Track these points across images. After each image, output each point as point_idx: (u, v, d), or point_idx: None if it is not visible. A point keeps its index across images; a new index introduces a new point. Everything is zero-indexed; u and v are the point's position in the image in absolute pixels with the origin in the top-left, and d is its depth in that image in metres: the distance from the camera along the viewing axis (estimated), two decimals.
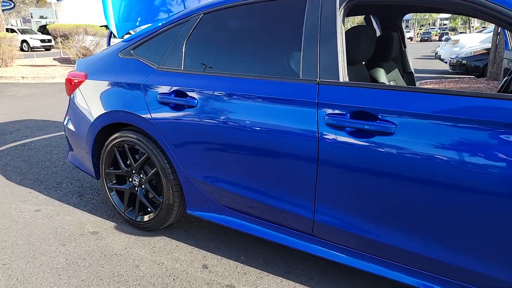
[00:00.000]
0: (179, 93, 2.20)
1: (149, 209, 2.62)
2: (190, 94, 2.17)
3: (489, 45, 9.75)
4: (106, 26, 13.60)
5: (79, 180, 3.52)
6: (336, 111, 1.71)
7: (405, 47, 3.36)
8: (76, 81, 2.77)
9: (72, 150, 2.97)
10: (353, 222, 1.77)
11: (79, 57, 13.48)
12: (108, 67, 2.61)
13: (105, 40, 13.94)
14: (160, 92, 2.27)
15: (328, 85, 1.76)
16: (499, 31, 8.52)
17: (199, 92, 2.14)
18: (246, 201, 2.10)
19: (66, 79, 2.87)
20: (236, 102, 2.00)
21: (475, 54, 10.04)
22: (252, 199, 2.06)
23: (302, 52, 1.86)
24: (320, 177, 1.79)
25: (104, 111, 2.52)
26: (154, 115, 2.29)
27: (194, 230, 2.66)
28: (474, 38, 12.20)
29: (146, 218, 2.59)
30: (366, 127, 1.63)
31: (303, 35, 1.87)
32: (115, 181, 2.74)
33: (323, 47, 1.80)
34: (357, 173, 1.68)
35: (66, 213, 2.89)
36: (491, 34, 10.16)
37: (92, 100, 2.64)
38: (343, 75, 1.76)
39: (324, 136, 1.73)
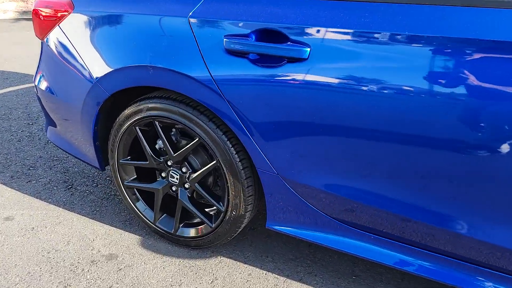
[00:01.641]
0: (271, 35, 1.23)
1: (196, 220, 1.71)
2: (294, 37, 1.20)
3: None
4: None
5: (60, 160, 2.48)
6: None
7: None
8: (51, 14, 1.67)
9: (55, 126, 1.93)
10: None
11: None
12: None
13: None
14: (229, 33, 1.29)
15: None
16: None
17: (315, 32, 1.18)
18: (405, 224, 1.25)
19: (33, 11, 1.75)
20: (407, 54, 1.08)
21: None
22: (427, 224, 1.21)
23: None
24: None
25: (115, 68, 1.50)
26: (217, 75, 1.32)
27: (264, 244, 1.80)
28: None
29: (193, 232, 1.69)
30: None
31: None
32: (135, 177, 1.77)
33: None
34: None
35: (55, 222, 1.91)
36: None
37: (88, 49, 1.59)
38: None
39: None
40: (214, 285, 1.55)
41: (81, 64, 1.61)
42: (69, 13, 1.62)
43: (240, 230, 1.59)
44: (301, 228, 1.46)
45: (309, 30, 1.19)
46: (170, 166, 1.62)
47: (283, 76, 1.23)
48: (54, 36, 1.69)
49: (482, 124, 1.03)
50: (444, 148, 1.09)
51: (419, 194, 1.18)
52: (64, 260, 1.67)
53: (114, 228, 1.87)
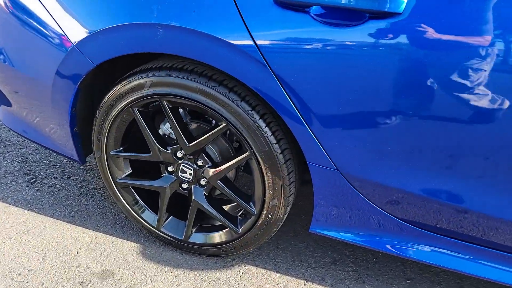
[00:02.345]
0: None
1: (214, 223, 1.37)
2: None
3: None
4: None
5: (15, 145, 1.99)
6: None
7: None
8: None
9: (9, 105, 1.46)
10: None
11: None
12: None
13: None
14: None
15: None
16: None
17: None
18: None
19: None
20: None
21: None
22: None
23: None
24: None
25: (105, 27, 1.07)
26: (262, 37, 0.95)
27: (294, 245, 1.50)
28: None
29: (211, 238, 1.34)
30: None
31: None
32: (130, 172, 1.37)
33: None
34: None
35: (21, 230, 1.49)
36: None
37: (61, 1, 1.14)
38: None
39: None
40: None
41: (50, 24, 1.15)
42: None
43: (270, 235, 1.27)
44: (359, 233, 1.17)
45: None
46: (180, 159, 1.25)
47: (363, 40, 0.88)
48: None
49: None
50: None
51: None
52: (42, 284, 1.28)
53: (102, 235, 1.48)
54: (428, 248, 1.10)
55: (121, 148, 1.31)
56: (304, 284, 1.33)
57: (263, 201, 1.19)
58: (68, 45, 1.14)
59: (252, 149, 1.11)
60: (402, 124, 0.93)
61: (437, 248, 1.09)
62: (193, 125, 1.29)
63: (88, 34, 1.09)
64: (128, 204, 1.39)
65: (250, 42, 0.95)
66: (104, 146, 1.29)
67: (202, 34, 0.98)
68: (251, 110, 1.07)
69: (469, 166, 0.95)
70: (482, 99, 0.85)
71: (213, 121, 1.32)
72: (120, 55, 1.10)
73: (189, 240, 1.36)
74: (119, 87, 1.18)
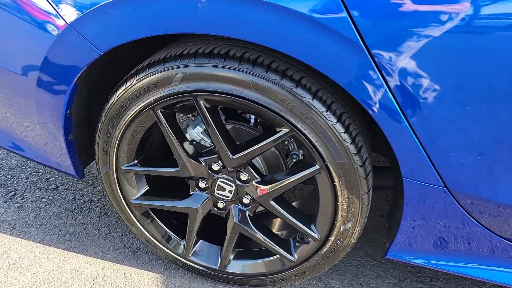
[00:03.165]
0: None
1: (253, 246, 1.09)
2: None
3: None
4: None
5: None
6: None
7: None
8: None
9: None
10: None
11: None
12: None
13: None
14: None
15: None
16: None
17: None
18: None
19: None
20: None
21: None
22: None
23: None
24: None
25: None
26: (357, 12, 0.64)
27: (347, 265, 1.24)
28: None
29: (254, 267, 1.07)
30: None
31: None
32: (147, 190, 1.06)
33: None
34: None
35: (5, 263, 1.17)
36: None
37: None
38: None
39: None
40: None
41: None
42: None
43: (332, 263, 1.01)
44: (455, 260, 0.92)
45: None
46: (217, 172, 0.95)
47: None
48: None
49: None
50: None
51: None
52: None
53: (109, 264, 1.18)
54: None
55: (136, 161, 0.99)
56: None
57: (332, 225, 0.92)
58: (61, 25, 0.81)
59: (324, 161, 0.83)
60: None
61: None
62: (228, 127, 0.99)
63: (92, 8, 0.76)
64: (146, 230, 1.08)
65: (344, 15, 0.66)
66: (114, 159, 0.97)
67: (269, 4, 0.67)
68: (326, 111, 0.79)
69: None
70: None
71: (251, 120, 1.03)
72: (139, 38, 0.78)
73: (226, 270, 1.08)
74: (134, 83, 0.86)
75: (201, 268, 1.11)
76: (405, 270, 1.21)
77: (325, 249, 0.96)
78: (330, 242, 0.94)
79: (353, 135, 0.82)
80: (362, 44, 0.67)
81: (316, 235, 0.95)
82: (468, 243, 0.88)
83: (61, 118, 0.94)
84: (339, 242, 0.94)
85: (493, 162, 0.74)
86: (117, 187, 1.03)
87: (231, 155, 0.89)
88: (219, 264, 1.08)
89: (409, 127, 0.73)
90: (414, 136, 0.74)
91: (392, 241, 0.94)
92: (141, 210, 1.07)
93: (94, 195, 1.43)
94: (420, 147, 0.75)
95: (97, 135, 0.97)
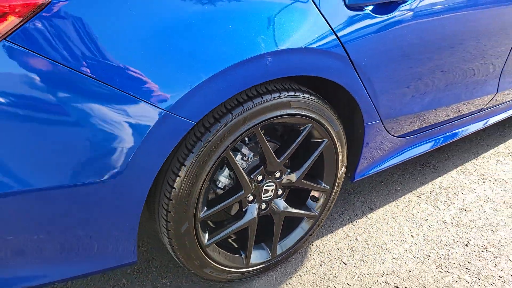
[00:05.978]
0: None
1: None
2: None
3: None
4: None
5: None
6: None
7: None
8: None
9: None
10: None
11: None
12: None
13: None
14: None
15: None
16: None
17: None
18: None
19: None
20: None
21: None
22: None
23: None
24: None
25: (208, 76, 0.94)
26: (346, 39, 1.16)
27: None
28: None
29: (298, 235, 1.42)
30: None
31: None
32: (212, 227, 1.22)
33: None
34: None
35: None
36: None
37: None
38: None
39: None
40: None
41: (122, 97, 0.87)
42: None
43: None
44: (381, 161, 1.59)
45: None
46: (261, 182, 1.25)
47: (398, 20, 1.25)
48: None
49: None
50: None
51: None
52: None
53: None
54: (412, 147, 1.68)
55: (205, 207, 1.15)
56: None
57: (335, 174, 1.40)
58: (156, 113, 0.91)
59: (330, 135, 1.30)
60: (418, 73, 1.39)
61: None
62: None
63: (187, 91, 0.92)
64: (219, 263, 1.24)
65: (337, 44, 1.13)
66: (194, 209, 1.10)
67: (304, 49, 1.07)
68: (330, 107, 1.26)
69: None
70: None
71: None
72: (224, 100, 1.00)
73: (277, 254, 1.39)
74: (210, 138, 1.05)
75: (259, 268, 1.36)
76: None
77: (333, 194, 1.44)
78: (336, 186, 1.43)
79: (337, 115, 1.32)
80: (349, 61, 1.17)
81: (328, 188, 1.41)
82: (388, 147, 1.56)
83: (142, 199, 1.00)
84: (339, 183, 1.44)
85: (396, 98, 1.41)
86: (195, 238, 1.15)
87: (278, 160, 1.22)
88: (271, 255, 1.37)
89: (366, 93, 1.29)
90: (369, 97, 1.31)
91: (356, 168, 1.51)
92: (213, 248, 1.22)
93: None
94: (371, 101, 1.33)
95: (179, 190, 1.05)
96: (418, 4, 1.28)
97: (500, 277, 1.45)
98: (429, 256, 1.53)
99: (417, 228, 1.66)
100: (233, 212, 1.33)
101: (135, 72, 0.86)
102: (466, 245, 1.58)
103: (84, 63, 0.82)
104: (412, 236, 1.62)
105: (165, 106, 0.90)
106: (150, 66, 0.88)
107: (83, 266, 1.03)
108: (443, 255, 1.53)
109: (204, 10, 0.93)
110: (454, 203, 1.81)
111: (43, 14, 0.78)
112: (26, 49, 0.77)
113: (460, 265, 1.49)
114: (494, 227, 1.68)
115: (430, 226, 1.68)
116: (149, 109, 0.89)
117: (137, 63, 0.86)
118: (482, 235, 1.63)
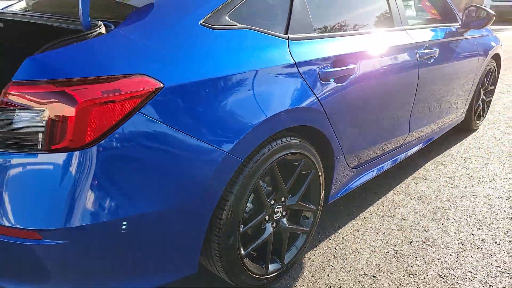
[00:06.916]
0: (338, 62, 1.82)
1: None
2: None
3: None
4: None
5: None
6: None
7: None
8: (126, 94, 1.18)
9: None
10: None
11: None
12: (193, 51, 1.38)
13: None
14: (319, 66, 1.72)
15: None
16: None
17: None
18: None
19: (83, 104, 1.12)
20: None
21: None
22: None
23: None
24: None
25: (256, 123, 1.43)
26: (322, 99, 1.73)
27: None
28: None
29: (298, 246, 1.86)
30: None
31: None
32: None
33: None
34: None
35: None
36: None
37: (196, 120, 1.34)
38: None
39: None
40: None
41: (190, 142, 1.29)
42: (159, 88, 1.21)
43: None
44: (344, 187, 2.14)
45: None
46: (274, 204, 1.70)
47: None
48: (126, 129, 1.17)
49: None
50: None
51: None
52: None
53: None
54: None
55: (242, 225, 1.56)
56: None
57: (319, 197, 1.90)
58: (219, 156, 1.34)
59: (315, 166, 1.81)
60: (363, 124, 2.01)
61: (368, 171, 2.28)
62: None
63: (243, 135, 1.38)
64: (249, 271, 1.62)
65: (317, 103, 1.69)
66: (238, 226, 1.51)
67: (305, 108, 1.60)
68: (314, 147, 1.79)
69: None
70: None
71: None
72: (264, 139, 1.47)
73: (285, 262, 1.80)
74: (259, 158, 1.51)
75: (274, 274, 1.76)
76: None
77: (318, 212, 1.92)
78: (320, 206, 1.92)
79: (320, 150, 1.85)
80: (324, 113, 1.73)
81: (315, 207, 1.90)
82: (348, 176, 2.12)
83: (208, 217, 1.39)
84: (321, 204, 1.93)
85: (353, 137, 2.00)
86: (238, 248, 1.53)
87: (286, 187, 1.69)
88: (281, 264, 1.78)
89: (335, 135, 1.85)
90: (336, 138, 1.86)
91: (329, 193, 2.03)
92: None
93: None
94: (338, 141, 1.89)
95: (224, 220, 1.45)
96: (357, 76, 1.91)
97: (438, 259, 2.02)
98: (389, 252, 2.06)
99: (375, 235, 2.20)
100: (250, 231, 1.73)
101: (215, 132, 1.32)
102: (411, 242, 2.15)
103: (187, 126, 1.25)
104: (373, 241, 2.15)
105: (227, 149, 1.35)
106: (223, 130, 1.35)
107: (160, 278, 1.36)
108: (397, 251, 2.07)
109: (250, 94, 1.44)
110: (395, 215, 2.41)
111: (158, 96, 1.21)
112: (152, 118, 1.19)
113: (411, 255, 2.04)
114: (425, 228, 2.29)
115: (384, 233, 2.23)
116: (218, 152, 1.33)
117: (216, 127, 1.32)
118: (420, 234, 2.22)
